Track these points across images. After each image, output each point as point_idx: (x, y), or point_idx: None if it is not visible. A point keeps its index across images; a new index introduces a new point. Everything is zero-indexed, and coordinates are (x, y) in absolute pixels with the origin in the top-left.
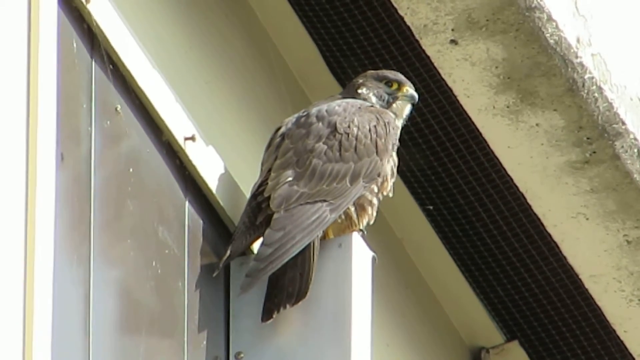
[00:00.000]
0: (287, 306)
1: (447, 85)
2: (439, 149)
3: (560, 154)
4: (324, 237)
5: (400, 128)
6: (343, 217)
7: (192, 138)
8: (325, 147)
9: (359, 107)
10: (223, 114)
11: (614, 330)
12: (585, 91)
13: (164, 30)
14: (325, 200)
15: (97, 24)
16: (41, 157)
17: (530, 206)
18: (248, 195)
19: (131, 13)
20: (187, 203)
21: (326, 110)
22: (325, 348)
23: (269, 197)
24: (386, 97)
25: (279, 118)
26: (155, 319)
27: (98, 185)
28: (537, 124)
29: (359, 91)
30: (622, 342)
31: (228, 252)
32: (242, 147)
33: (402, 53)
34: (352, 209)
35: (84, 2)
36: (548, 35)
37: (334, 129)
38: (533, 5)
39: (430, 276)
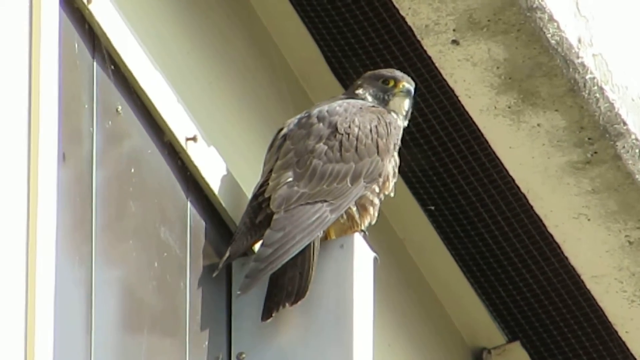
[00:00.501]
0: (287, 305)
1: (448, 85)
2: (440, 149)
3: (562, 154)
4: (325, 238)
5: (402, 128)
6: (345, 217)
7: (194, 138)
8: (326, 147)
9: (360, 108)
10: (225, 114)
11: (616, 331)
12: (587, 92)
13: (165, 31)
14: (325, 201)
15: (98, 24)
16: (43, 157)
17: (531, 207)
18: (249, 195)
19: (132, 13)
20: (188, 203)
21: (327, 111)
22: (327, 348)
23: (269, 198)
24: (381, 95)
25: (281, 118)
26: (157, 319)
27: (100, 185)
28: (538, 125)
29: (357, 92)
30: (623, 342)
31: (228, 253)
32: (243, 148)
33: (404, 53)
34: (354, 209)
35: (86, 3)
36: (549, 35)
37: (334, 129)
38: (534, 6)
39: (432, 276)
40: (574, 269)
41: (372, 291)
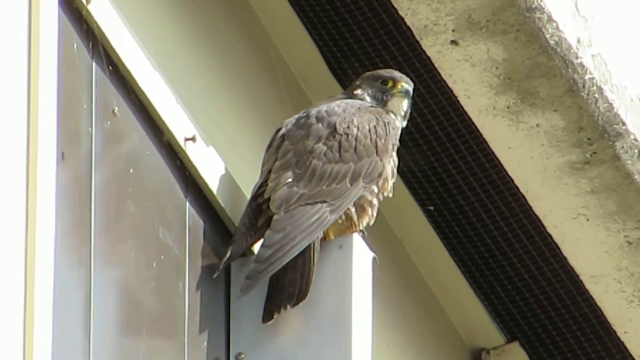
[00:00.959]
0: (288, 307)
1: (447, 85)
2: (439, 149)
3: (561, 154)
4: (324, 238)
5: (400, 128)
6: (343, 217)
7: (193, 139)
8: (325, 147)
9: (359, 108)
10: (223, 114)
11: (615, 331)
12: (586, 92)
13: (164, 31)
14: (325, 201)
15: (97, 24)
16: (42, 158)
17: (530, 207)
18: (249, 196)
19: (131, 13)
20: (187, 204)
21: (326, 111)
22: (326, 349)
23: (269, 199)
24: (380, 96)
25: (280, 118)
26: (156, 320)
27: (98, 185)
28: (537, 125)
29: (355, 92)
30: (622, 343)
31: (228, 254)
32: (242, 148)
33: (403, 54)
34: (353, 209)
35: (84, 3)
36: (548, 36)
37: (333, 129)
38: (533, 6)
39: (431, 277)
40: (572, 269)
41: (371, 291)
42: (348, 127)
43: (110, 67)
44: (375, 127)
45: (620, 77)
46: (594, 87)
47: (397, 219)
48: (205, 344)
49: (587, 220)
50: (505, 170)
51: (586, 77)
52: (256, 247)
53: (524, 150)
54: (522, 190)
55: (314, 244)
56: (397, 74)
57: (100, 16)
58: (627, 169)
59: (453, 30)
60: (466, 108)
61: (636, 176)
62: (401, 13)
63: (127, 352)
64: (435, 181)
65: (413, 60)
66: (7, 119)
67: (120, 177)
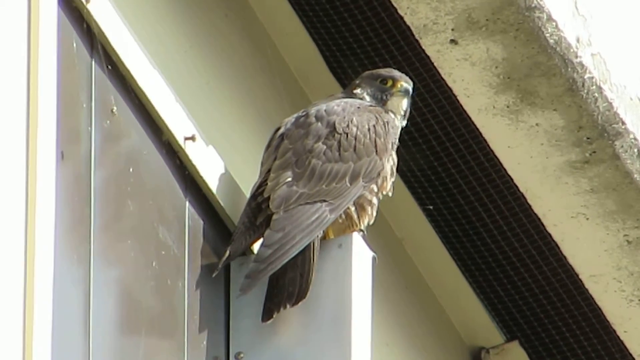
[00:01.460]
0: (287, 306)
1: (447, 85)
2: (438, 148)
3: (560, 153)
4: (324, 238)
5: (400, 127)
6: (343, 217)
7: (192, 138)
8: (325, 147)
9: (358, 107)
10: (223, 113)
11: (614, 330)
12: (585, 91)
13: (163, 30)
14: (324, 201)
15: (97, 23)
16: (41, 157)
17: (530, 206)
18: (248, 195)
19: (131, 13)
20: (187, 203)
21: (325, 110)
22: (325, 348)
23: (268, 198)
24: (379, 95)
25: (279, 118)
26: (155, 319)
27: (98, 185)
28: (537, 124)
29: (355, 91)
30: (622, 342)
31: (227, 253)
32: (242, 147)
33: (402, 53)
34: (352, 208)
35: (84, 2)
36: (548, 35)
37: (332, 128)
38: (533, 5)
39: (430, 276)
40: (572, 268)
41: (371, 291)
42: (347, 126)
43: (109, 67)
44: (374, 126)
45: (620, 76)
46: (594, 86)
47: (396, 218)
48: (204, 343)
49: (587, 219)
50: (504, 169)
51: (585, 76)
52: (256, 247)
53: (524, 149)
54: (521, 189)
55: (313, 243)
56: (396, 73)
57: (99, 15)
58: (626, 168)
59: (452, 30)
60: (466, 107)
61: (635, 175)
62: (400, 12)
63: (126, 351)
64: (434, 180)
65: (412, 59)
66: (6, 118)
67: (120, 176)
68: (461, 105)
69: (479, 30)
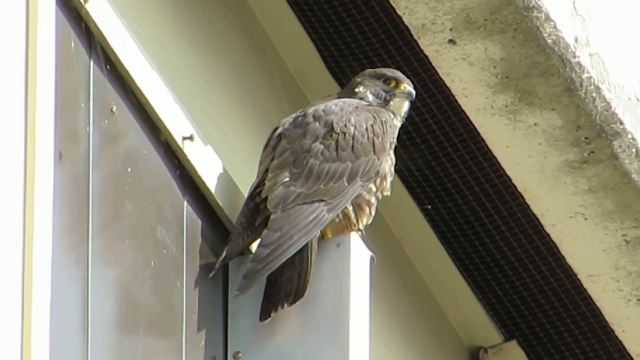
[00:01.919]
0: (285, 305)
1: (445, 84)
2: (437, 148)
3: (559, 153)
4: (322, 237)
5: (398, 127)
6: (341, 216)
7: (191, 137)
8: (322, 146)
9: (356, 107)
10: (221, 113)
11: (612, 330)
12: (583, 91)
13: (162, 30)
14: (322, 200)
15: (95, 23)
16: (39, 157)
17: (528, 206)
18: (246, 194)
19: (129, 13)
20: (185, 203)
21: (323, 110)
22: (324, 347)
23: (266, 198)
24: (383, 94)
25: (277, 118)
26: (154, 319)
27: (96, 184)
28: (535, 124)
29: (357, 90)
30: (620, 341)
31: (225, 253)
32: (240, 147)
33: (400, 53)
34: (350, 208)
35: (82, 2)
36: (546, 35)
37: (330, 128)
38: (531, 5)
39: (429, 276)
40: (570, 268)
41: (369, 290)
42: (345, 125)
43: (107, 66)
44: (372, 125)
45: (618, 76)
46: (592, 86)
47: (395, 218)
48: (203, 342)
49: (585, 219)
50: (503, 169)
51: (584, 76)
52: (254, 247)
53: (522, 149)
54: (519, 189)
55: (311, 243)
56: (399, 74)
57: (98, 15)
58: (624, 167)
59: (451, 30)
60: (464, 107)
61: (634, 175)
62: (399, 12)
63: (125, 350)
64: (433, 180)
65: (411, 59)
66: (4, 118)
67: (118, 176)
68: (459, 105)
69: (477, 30)
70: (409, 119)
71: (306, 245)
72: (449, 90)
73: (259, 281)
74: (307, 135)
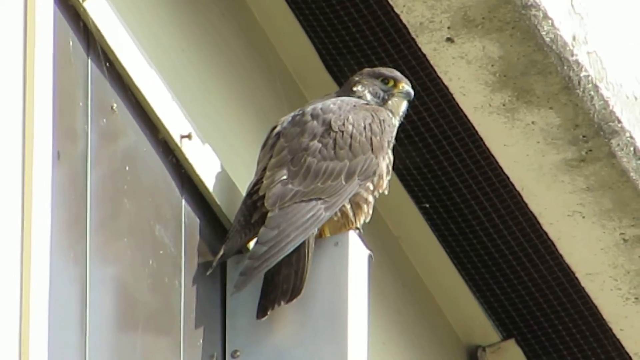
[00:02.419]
0: (282, 303)
1: (443, 83)
2: (435, 146)
3: (556, 152)
4: (320, 236)
5: (396, 126)
6: (339, 215)
7: (189, 136)
8: (320, 145)
9: (354, 105)
10: (219, 112)
11: (610, 329)
12: (581, 89)
13: (160, 29)
14: (320, 199)
15: (93, 22)
16: (37, 156)
17: (526, 204)
18: (244, 193)
19: (127, 11)
20: (183, 201)
21: (321, 109)
22: (322, 346)
23: (263, 196)
24: (381, 94)
25: (276, 116)
26: (152, 317)
27: (94, 183)
28: (533, 122)
29: (355, 89)
30: (618, 340)
31: (222, 251)
32: (238, 145)
33: (398, 51)
34: (348, 207)
35: (80, 0)
36: (544, 33)
37: (328, 126)
38: (529, 3)
39: (427, 274)
40: (568, 266)
41: (367, 289)
42: (343, 124)
43: (106, 65)
44: (370, 124)
45: (616, 74)
46: (590, 85)
47: (393, 216)
48: (201, 341)
49: (583, 217)
50: (500, 167)
51: (582, 75)
52: (252, 244)
53: (520, 147)
54: (517, 187)
55: (308, 241)
56: (398, 74)
57: (96, 13)
58: (622, 166)
59: (449, 28)
60: (462, 105)
61: (632, 173)
62: (397, 10)
63: (123, 348)
64: (431, 179)
65: (409, 57)
66: (2, 116)
67: (116, 175)
68: (457, 104)
69: (475, 28)
70: (407, 117)
71: (303, 243)
72: (447, 89)
73: (256, 278)
74: (305, 134)
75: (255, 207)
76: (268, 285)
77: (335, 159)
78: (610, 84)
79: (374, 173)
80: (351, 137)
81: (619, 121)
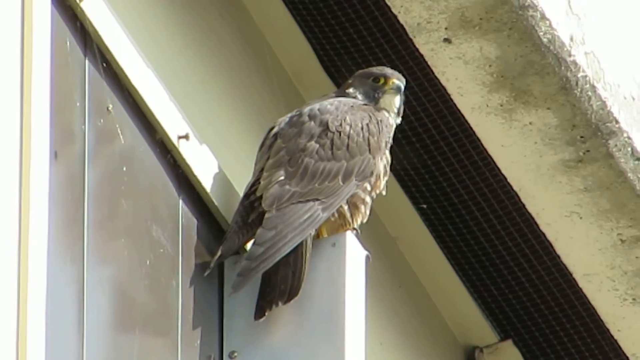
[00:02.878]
0: (280, 304)
1: (440, 83)
2: (432, 147)
3: (554, 152)
4: (318, 236)
5: (394, 126)
6: (336, 215)
7: (186, 137)
8: (317, 145)
9: (352, 106)
10: (217, 112)
11: (608, 330)
12: (579, 90)
13: (157, 29)
14: (317, 199)
15: (90, 22)
16: (35, 156)
17: (523, 205)
18: (241, 194)
19: (125, 12)
20: (180, 202)
21: (318, 109)
22: (319, 347)
23: (261, 197)
24: (372, 93)
25: (273, 117)
26: (149, 318)
27: (92, 184)
28: (530, 123)
29: (348, 91)
30: (615, 341)
31: (220, 252)
32: (235, 146)
33: (396, 52)
34: (346, 207)
35: (78, 1)
36: (541, 33)
37: (325, 127)
38: (526, 4)
39: (424, 275)
40: (566, 267)
41: (364, 289)
42: (340, 124)
43: (103, 65)
44: (367, 124)
45: (613, 75)
46: (587, 85)
47: (390, 217)
48: (198, 341)
49: (580, 218)
50: (498, 168)
51: (579, 75)
52: (249, 245)
53: (517, 148)
54: (515, 188)
55: (305, 242)
56: (388, 70)
57: (93, 14)
58: (620, 167)
59: (446, 28)
60: (459, 106)
61: (629, 174)
62: (394, 11)
63: (120, 349)
64: (428, 179)
65: (406, 58)
66: (0, 116)
67: (113, 175)
68: (455, 104)
69: (473, 29)
70: (404, 117)
71: (301, 243)
72: (445, 89)
73: (253, 279)
74: (302, 135)
75: (252, 207)
76: (265, 286)
77: (332, 159)
78: (608, 84)
79: (372, 174)
80: (348, 137)
81: (617, 122)
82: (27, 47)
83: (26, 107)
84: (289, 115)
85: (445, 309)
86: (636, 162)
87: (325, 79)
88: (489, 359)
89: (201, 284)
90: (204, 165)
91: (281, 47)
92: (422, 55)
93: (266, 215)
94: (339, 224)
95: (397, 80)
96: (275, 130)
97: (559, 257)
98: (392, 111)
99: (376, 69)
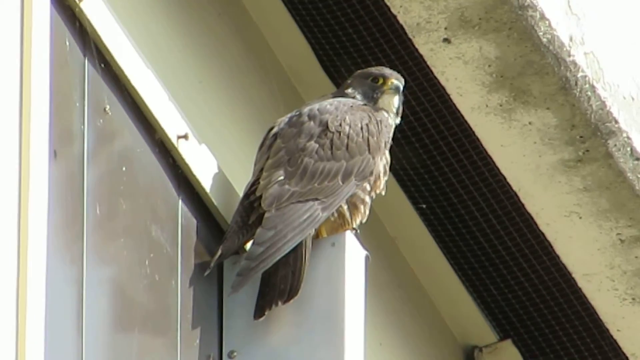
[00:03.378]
0: (279, 303)
1: (440, 83)
2: (432, 147)
3: (553, 152)
4: (317, 236)
5: (394, 126)
6: (336, 215)
7: (185, 137)
8: (317, 145)
9: (351, 106)
10: (216, 112)
11: (607, 329)
12: (578, 90)
13: (156, 29)
14: (317, 199)
15: (89, 22)
16: (34, 156)
17: (523, 205)
18: (241, 194)
19: (124, 12)
20: (180, 202)
21: (318, 109)
22: (319, 347)
23: (260, 197)
24: (371, 93)
25: (272, 117)
26: (149, 318)
27: (91, 183)
28: (530, 123)
29: (347, 91)
30: (615, 341)
31: (220, 252)
32: (235, 146)
33: (395, 52)
34: (345, 207)
35: (77, 1)
36: (541, 33)
37: (325, 127)
38: (526, 4)
39: (424, 275)
40: (565, 267)
41: (364, 289)
42: (340, 124)
43: (102, 65)
44: (367, 124)
45: (613, 75)
46: (587, 85)
47: (390, 217)
48: (197, 341)
49: (580, 218)
50: (497, 168)
51: (578, 75)
52: (249, 245)
53: (517, 148)
54: (514, 188)
55: (305, 242)
56: (387, 70)
57: (92, 14)
58: (619, 166)
59: (445, 28)
60: (459, 106)
61: (628, 174)
62: (394, 11)
63: (119, 349)
64: (428, 179)
65: (405, 58)
66: None
67: (113, 175)
68: (454, 104)
69: (472, 29)
70: (403, 117)
71: (300, 243)
72: (444, 89)
73: (252, 279)
74: (302, 134)
75: (252, 207)
76: (265, 286)
77: (332, 159)
78: (607, 84)
79: (371, 173)
80: (348, 137)
81: (616, 122)
82: (26, 47)
83: (25, 107)
84: (289, 115)
85: (444, 309)
86: (635, 162)
87: (325, 78)
88: (489, 358)
89: (200, 284)
90: (203, 165)
91: (280, 47)
92: (421, 55)
93: (266, 215)
94: (338, 223)
95: (396, 80)
96: (274, 130)
97: (558, 256)
98: (391, 111)
99: (375, 69)
